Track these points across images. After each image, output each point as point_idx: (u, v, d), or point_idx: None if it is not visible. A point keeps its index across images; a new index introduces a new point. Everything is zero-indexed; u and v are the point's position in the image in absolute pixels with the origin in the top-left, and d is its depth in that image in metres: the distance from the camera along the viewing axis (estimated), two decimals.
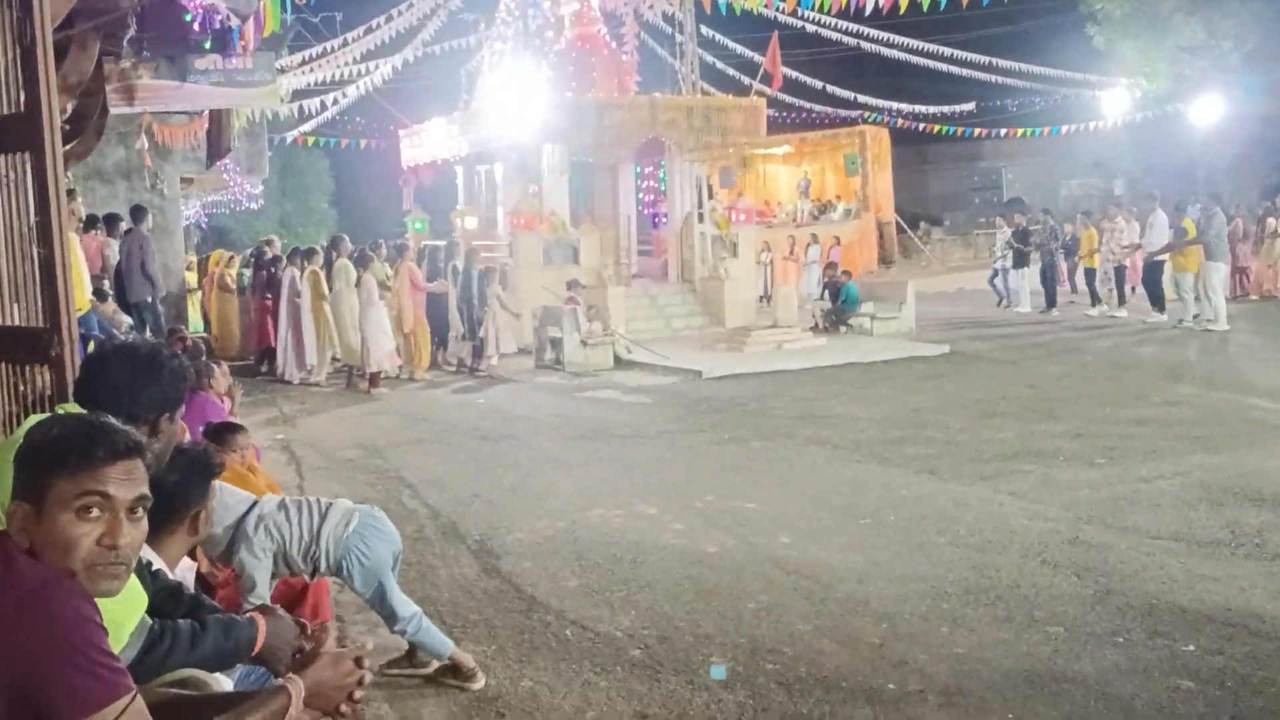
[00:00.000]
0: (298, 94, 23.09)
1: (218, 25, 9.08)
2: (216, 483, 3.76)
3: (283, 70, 17.70)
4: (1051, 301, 18.49)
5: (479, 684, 4.37)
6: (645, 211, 21.55)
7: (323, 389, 13.42)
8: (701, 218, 18.98)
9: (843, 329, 16.72)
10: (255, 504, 4.05)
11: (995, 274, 20.39)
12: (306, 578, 4.24)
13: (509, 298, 14.83)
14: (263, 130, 18.62)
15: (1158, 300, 16.33)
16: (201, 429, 4.93)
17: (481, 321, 14.20)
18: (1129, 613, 4.89)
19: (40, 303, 3.92)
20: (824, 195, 31.04)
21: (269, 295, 14.82)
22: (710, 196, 20.26)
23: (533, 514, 7.01)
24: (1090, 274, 18.32)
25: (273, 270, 14.98)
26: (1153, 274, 16.51)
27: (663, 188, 20.66)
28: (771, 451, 8.74)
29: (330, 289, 13.52)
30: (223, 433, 4.84)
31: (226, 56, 9.57)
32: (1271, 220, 18.96)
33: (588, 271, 16.91)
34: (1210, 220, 15.27)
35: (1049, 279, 18.92)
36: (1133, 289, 17.94)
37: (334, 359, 14.00)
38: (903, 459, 8.21)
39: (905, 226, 31.25)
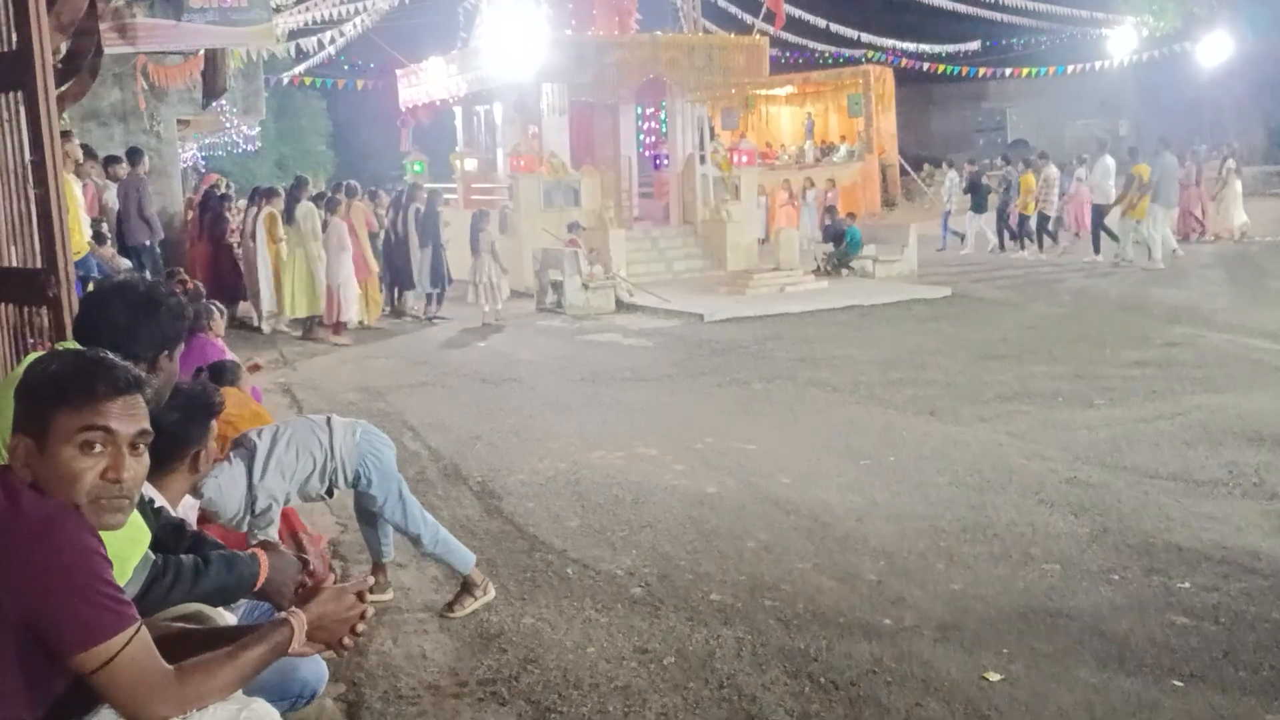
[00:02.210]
0: (293, 34, 22.73)
1: None
2: (214, 478, 3.81)
3: (278, 9, 17.46)
4: (1003, 245, 19.57)
5: (491, 593, 4.56)
6: (646, 153, 21.37)
7: (351, 346, 12.50)
8: (703, 159, 18.83)
9: (845, 272, 16.66)
10: (251, 454, 4.06)
11: (945, 219, 21.20)
12: (325, 497, 4.33)
13: (506, 243, 14.55)
14: (258, 71, 18.39)
15: (1097, 243, 17.10)
16: (204, 369, 4.95)
17: (439, 265, 14.01)
18: (1125, 551, 4.94)
19: (37, 244, 3.92)
20: (827, 137, 30.79)
21: (215, 235, 14.37)
22: (712, 138, 20.09)
23: (534, 456, 7.05)
24: (1024, 219, 18.96)
25: (218, 211, 14.59)
26: (1096, 217, 17.28)
27: (664, 129, 20.46)
28: (772, 394, 8.76)
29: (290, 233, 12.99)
30: (221, 370, 4.87)
31: None
32: (1230, 162, 19.01)
33: (588, 214, 16.81)
34: (1160, 166, 16.02)
35: (1003, 223, 19.74)
36: (1076, 234, 19.06)
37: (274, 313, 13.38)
38: (902, 400, 8.23)
39: (908, 169, 31.02)
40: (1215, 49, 28.01)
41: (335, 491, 4.37)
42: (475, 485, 6.45)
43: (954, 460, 6.50)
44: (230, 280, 13.76)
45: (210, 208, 14.86)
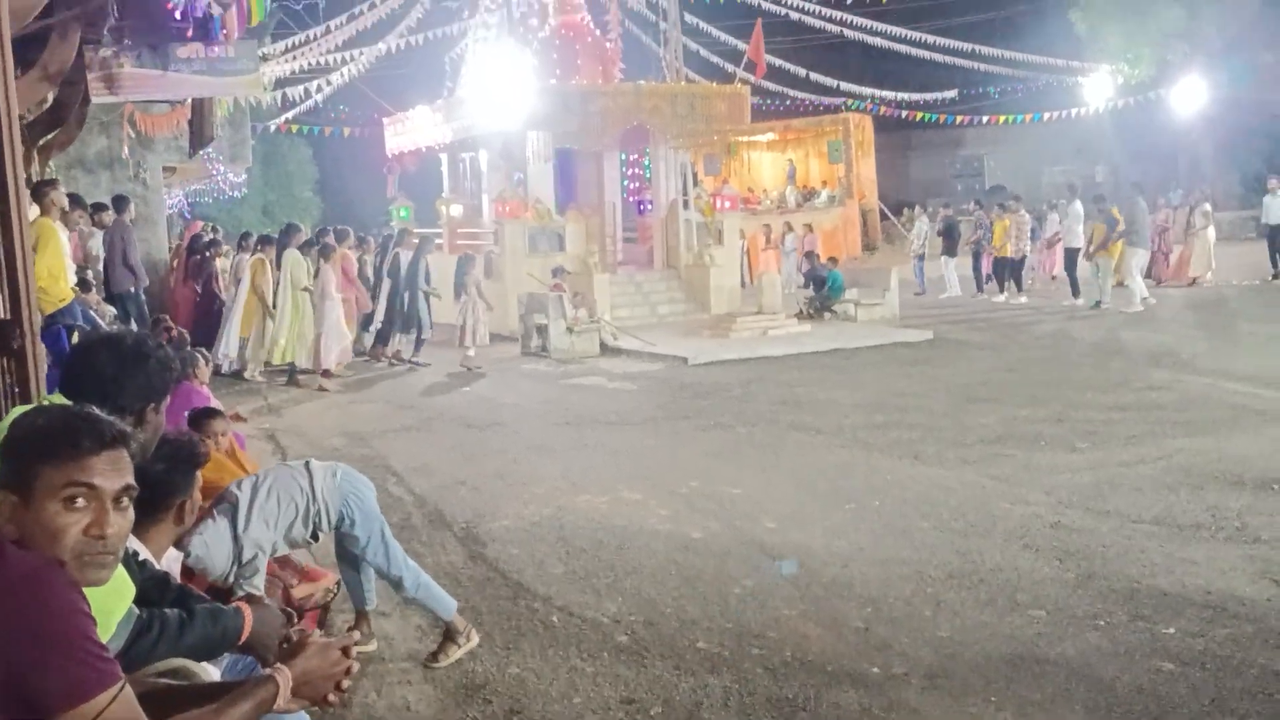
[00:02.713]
0: (280, 82, 22.93)
1: (200, 14, 9.03)
2: (199, 535, 3.80)
3: (265, 58, 17.59)
4: (980, 287, 19.78)
5: (474, 640, 4.53)
6: (630, 199, 21.52)
7: (337, 393, 12.33)
8: (686, 205, 18.99)
9: (827, 315, 16.78)
10: (233, 508, 4.06)
11: (918, 262, 21.50)
12: (310, 541, 4.32)
13: (491, 287, 14.59)
14: (245, 118, 18.50)
15: (1075, 287, 17.40)
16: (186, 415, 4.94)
17: (416, 311, 13.96)
18: (1110, 596, 4.95)
19: (4, 294, 3.90)
20: (808, 182, 31.12)
21: (202, 280, 14.37)
22: (695, 183, 20.28)
23: (519, 500, 7.03)
24: (1000, 263, 19.18)
25: (205, 255, 14.58)
26: (1070, 261, 17.69)
27: (648, 175, 20.63)
28: (756, 437, 8.77)
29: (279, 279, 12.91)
30: (200, 418, 4.86)
31: (209, 45, 9.50)
32: (1206, 205, 19.31)
33: (573, 259, 16.90)
34: (1133, 210, 16.53)
35: (977, 267, 19.97)
36: (1053, 277, 19.28)
37: (266, 364, 13.21)
38: (886, 444, 8.25)
39: (889, 213, 31.31)
40: (1189, 96, 28.47)
41: (320, 535, 4.36)
42: (459, 531, 6.42)
43: (939, 504, 6.51)
44: (215, 327, 13.73)
45: (196, 252, 14.85)
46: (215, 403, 6.00)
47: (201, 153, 16.50)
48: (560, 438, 9.09)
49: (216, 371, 13.03)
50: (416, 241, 14.71)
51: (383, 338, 14.57)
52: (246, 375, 13.11)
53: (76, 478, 1.93)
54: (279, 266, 12.95)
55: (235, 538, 3.98)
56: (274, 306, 12.79)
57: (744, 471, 7.62)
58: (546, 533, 6.29)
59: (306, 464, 4.34)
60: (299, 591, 4.29)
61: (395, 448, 8.94)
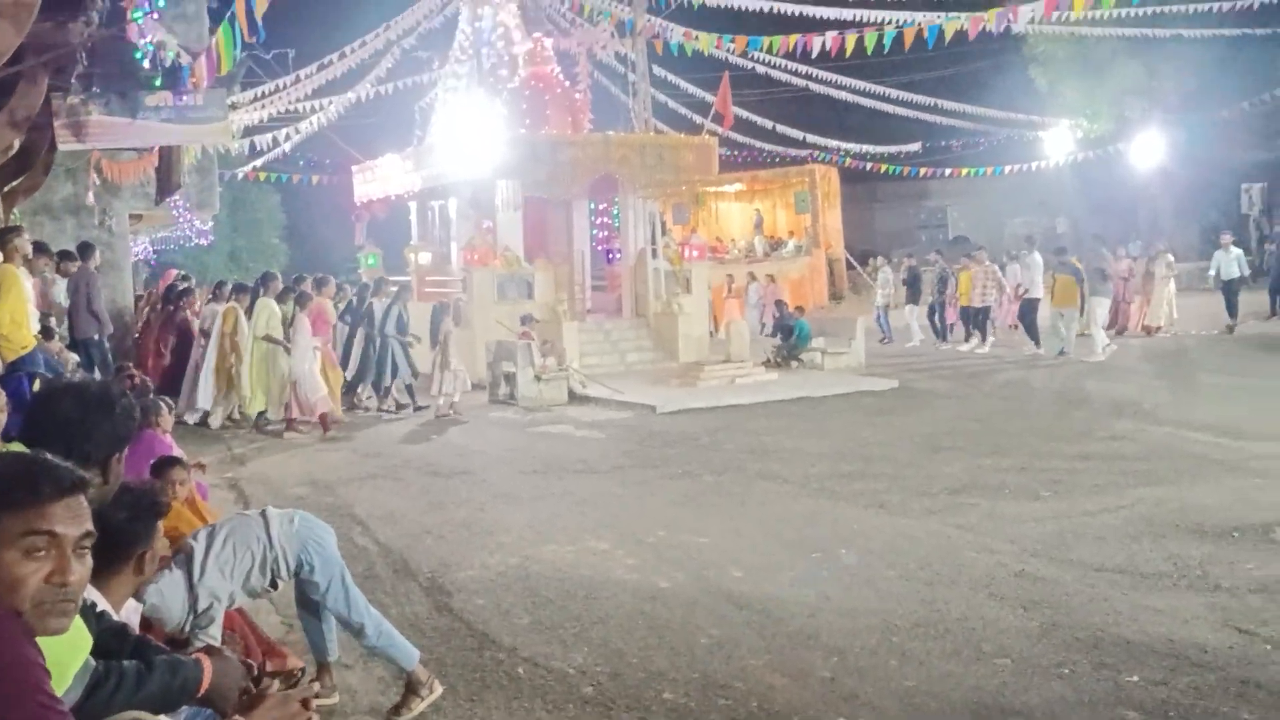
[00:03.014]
0: (249, 130, 22.98)
1: (168, 62, 9.06)
2: (155, 585, 3.77)
3: (234, 106, 17.62)
4: (941, 336, 20.07)
5: (438, 690, 4.47)
6: (599, 247, 21.66)
7: (303, 440, 12.10)
8: (655, 253, 19.12)
9: (794, 364, 16.88)
10: (189, 558, 4.03)
11: (881, 311, 21.76)
12: (270, 590, 4.29)
13: (459, 334, 14.51)
14: (213, 166, 18.48)
15: (1034, 335, 17.57)
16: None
17: (387, 360, 13.92)
18: (1074, 645, 4.97)
19: None
20: (776, 232, 31.43)
21: (178, 330, 14.18)
22: (664, 232, 20.44)
23: (485, 550, 6.98)
24: (965, 312, 19.50)
25: (179, 304, 14.44)
26: (1029, 311, 17.86)
27: (616, 224, 20.78)
28: (723, 486, 8.78)
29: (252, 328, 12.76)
30: (161, 466, 4.82)
31: (178, 93, 9.52)
32: (1169, 256, 19.72)
33: (542, 306, 16.94)
34: (1096, 261, 16.95)
35: (939, 316, 20.25)
36: (1013, 326, 19.39)
37: (232, 417, 13.09)
38: (852, 493, 8.29)
39: (854, 263, 31.66)
40: (1148, 151, 29.15)
41: (280, 583, 4.32)
42: (424, 581, 6.36)
43: (904, 554, 6.53)
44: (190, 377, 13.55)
45: (171, 302, 14.73)
46: (178, 451, 5.94)
47: (168, 200, 16.44)
48: (527, 486, 9.06)
49: (179, 421, 12.97)
50: (395, 289, 14.70)
51: (351, 386, 14.49)
52: (213, 424, 12.96)
53: (37, 525, 1.91)
54: (251, 315, 12.85)
55: (190, 587, 3.94)
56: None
57: (711, 520, 7.62)
58: (513, 582, 6.25)
59: (263, 512, 4.32)
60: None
61: (360, 496, 8.87)
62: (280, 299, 13.10)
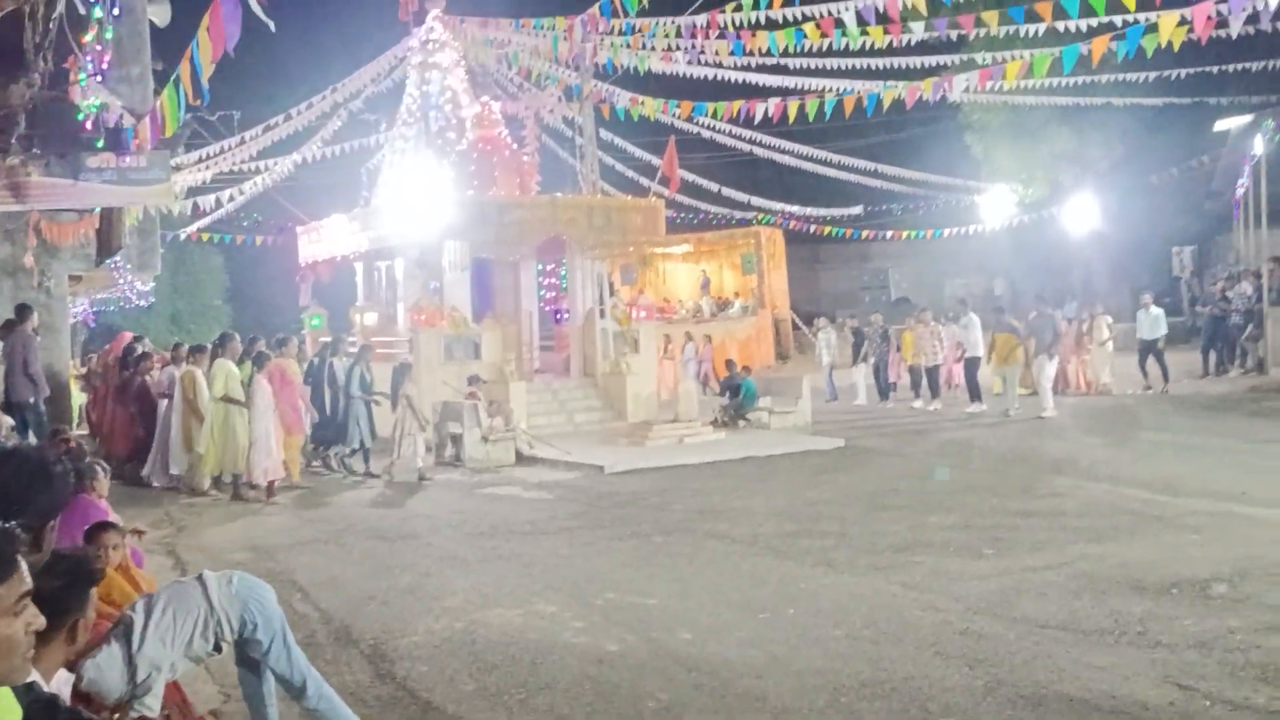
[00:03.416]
0: (193, 190, 22.82)
1: (112, 124, 9.01)
2: (92, 659, 3.69)
3: (178, 168, 17.52)
4: (884, 395, 20.22)
5: None
6: (547, 308, 21.69)
7: (242, 505, 11.88)
8: (603, 314, 19.19)
9: (741, 423, 16.96)
10: (128, 629, 3.95)
11: (829, 371, 22.07)
12: (210, 655, 4.25)
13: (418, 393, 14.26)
14: (155, 227, 18.29)
15: (976, 393, 17.94)
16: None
17: (351, 421, 13.67)
18: (1019, 703, 5.00)
19: None
20: (722, 292, 31.78)
21: (137, 394, 13.76)
22: (611, 293, 20.55)
23: (429, 615, 6.88)
24: (913, 371, 19.82)
25: (138, 369, 13.99)
26: (972, 370, 18.29)
27: (564, 284, 20.87)
28: (672, 546, 8.76)
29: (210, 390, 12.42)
30: (94, 531, 4.74)
31: (120, 154, 9.45)
32: (1107, 318, 20.26)
33: (489, 367, 16.89)
34: (1040, 322, 17.29)
35: (881, 375, 20.50)
36: (953, 386, 19.83)
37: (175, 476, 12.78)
38: (799, 552, 8.31)
39: (800, 323, 32.05)
40: (1081, 215, 29.99)
41: (223, 647, 4.26)
42: (366, 648, 6.25)
43: (851, 612, 6.55)
44: (149, 442, 13.21)
45: (128, 366, 14.21)
46: (113, 516, 5.81)
47: (109, 261, 16.22)
48: (474, 549, 8.97)
49: (148, 485, 12.64)
50: (355, 350, 14.48)
51: (317, 448, 14.12)
52: (207, 489, 12.46)
53: (27, 588, 1.94)
54: (210, 377, 12.51)
55: (129, 659, 3.86)
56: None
57: (660, 581, 7.59)
58: (458, 648, 6.16)
59: (199, 576, 4.29)
60: None
61: (302, 562, 8.71)
62: (240, 360, 12.79)
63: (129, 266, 18.83)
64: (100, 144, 9.42)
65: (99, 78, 9.27)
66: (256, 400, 12.21)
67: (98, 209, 12.53)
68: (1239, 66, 21.82)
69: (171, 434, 12.72)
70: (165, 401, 13.03)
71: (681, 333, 25.50)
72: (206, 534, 10.24)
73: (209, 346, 13.22)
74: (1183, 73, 22.29)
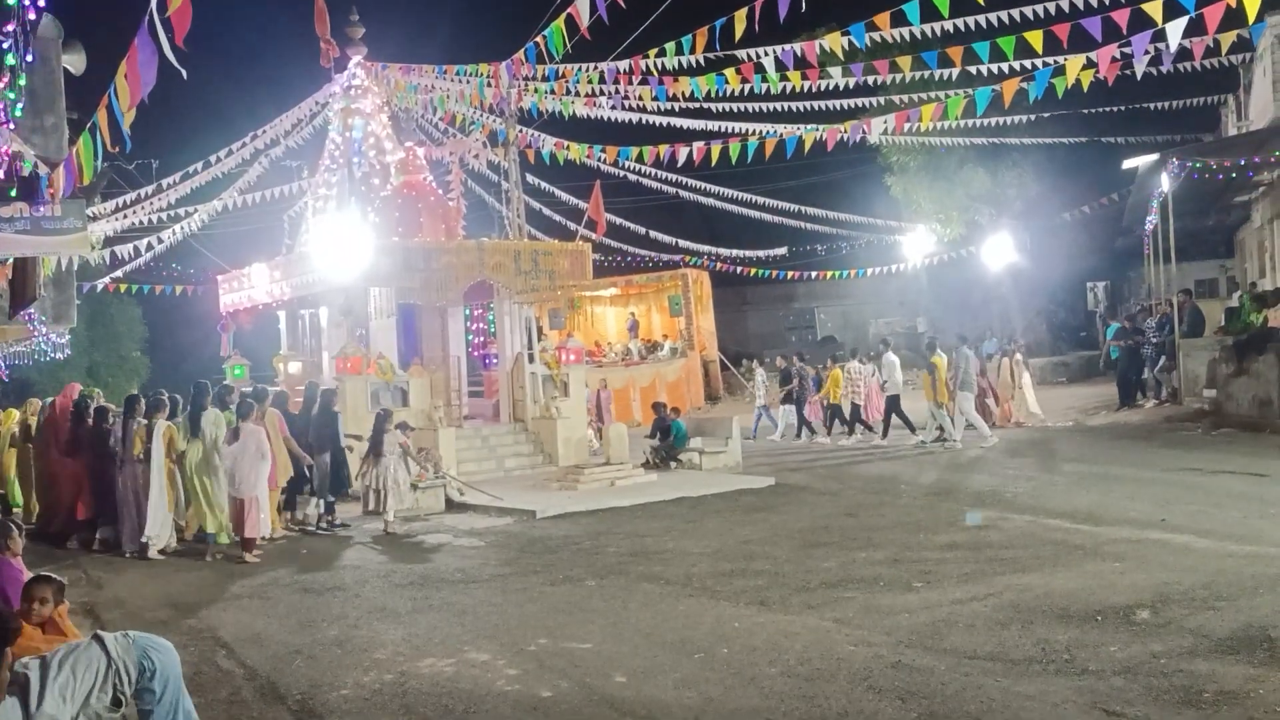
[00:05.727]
0: (110, 240, 22.38)
1: (25, 173, 8.82)
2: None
3: (94, 217, 17.16)
4: (800, 432, 21.00)
5: None
6: (475, 353, 21.60)
7: (163, 561, 11.51)
8: (532, 358, 19.16)
9: (673, 464, 17.01)
10: (23, 687, 3.86)
11: (763, 411, 22.74)
12: (113, 710, 4.17)
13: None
14: (71, 279, 17.82)
15: (908, 424, 18.94)
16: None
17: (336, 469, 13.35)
18: None
19: None
20: (651, 335, 31.95)
21: (96, 450, 12.68)
22: (540, 337, 20.53)
23: (359, 668, 6.74)
24: (835, 408, 20.63)
25: (102, 424, 12.87)
26: (893, 405, 19.26)
27: (492, 329, 20.79)
28: (605, 590, 8.71)
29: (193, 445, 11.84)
30: (28, 586, 4.65)
31: (34, 204, 9.23)
32: (1019, 355, 21.06)
33: (417, 414, 16.72)
34: (958, 359, 18.05)
35: (800, 412, 21.30)
36: (867, 427, 20.38)
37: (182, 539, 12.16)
38: (733, 591, 8.32)
39: (729, 364, 32.32)
40: (997, 253, 30.83)
41: (122, 700, 4.17)
42: (294, 704, 6.09)
43: (785, 650, 6.57)
44: (110, 501, 12.25)
45: (84, 420, 13.16)
46: (27, 575, 5.62)
47: (23, 313, 15.78)
48: (404, 599, 8.82)
49: (119, 551, 11.99)
50: (324, 393, 13.85)
51: (290, 503, 13.37)
52: (154, 554, 11.70)
53: None
54: (195, 430, 11.88)
55: (27, 717, 3.77)
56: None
57: (594, 626, 7.54)
58: (388, 701, 6.04)
59: (95, 636, 4.28)
60: None
61: (225, 618, 8.49)
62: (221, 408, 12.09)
63: (44, 318, 18.32)
64: (14, 193, 9.20)
65: (11, 126, 9.08)
66: (250, 449, 11.51)
67: (10, 259, 12.19)
68: (1145, 105, 22.78)
69: (152, 495, 11.73)
70: (120, 456, 12.15)
71: (598, 379, 25.50)
72: (124, 592, 9.92)
73: (164, 401, 12.40)
74: (1092, 111, 23.15)
